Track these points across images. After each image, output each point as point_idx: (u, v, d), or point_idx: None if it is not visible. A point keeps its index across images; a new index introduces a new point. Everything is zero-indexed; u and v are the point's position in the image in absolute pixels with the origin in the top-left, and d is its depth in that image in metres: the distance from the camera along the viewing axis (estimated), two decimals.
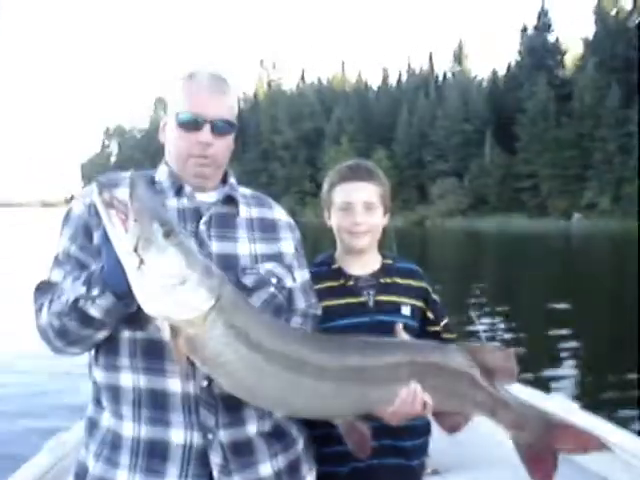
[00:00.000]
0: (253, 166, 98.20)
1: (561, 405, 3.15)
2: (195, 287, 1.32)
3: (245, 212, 1.72)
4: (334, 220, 2.07)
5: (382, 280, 2.06)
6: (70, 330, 1.47)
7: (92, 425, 1.64)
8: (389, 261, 2.12)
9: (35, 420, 5.98)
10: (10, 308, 10.68)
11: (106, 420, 1.60)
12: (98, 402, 1.63)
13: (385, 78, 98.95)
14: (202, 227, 1.62)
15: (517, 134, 71.90)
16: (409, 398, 1.50)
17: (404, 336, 1.86)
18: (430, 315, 2.11)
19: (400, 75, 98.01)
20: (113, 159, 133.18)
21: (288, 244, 1.77)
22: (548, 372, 8.11)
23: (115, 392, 1.57)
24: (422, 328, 2.08)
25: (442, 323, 2.13)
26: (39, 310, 1.54)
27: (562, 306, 13.15)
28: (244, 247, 1.66)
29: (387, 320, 1.96)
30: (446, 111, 78.82)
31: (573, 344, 9.75)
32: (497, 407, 1.57)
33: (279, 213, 1.83)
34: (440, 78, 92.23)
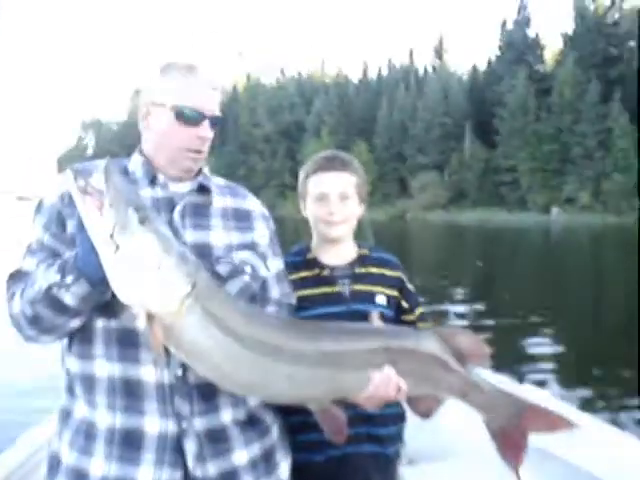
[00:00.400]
0: (232, 159, 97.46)
1: (533, 393, 3.20)
2: (171, 273, 1.32)
3: (219, 202, 1.72)
4: (310, 210, 2.08)
5: (357, 270, 2.06)
6: (43, 318, 1.46)
7: (66, 415, 1.63)
8: (365, 251, 2.12)
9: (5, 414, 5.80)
10: None
11: (80, 409, 1.58)
12: (71, 391, 1.61)
13: (365, 72, 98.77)
14: (176, 217, 1.61)
15: (497, 128, 72.30)
16: (383, 383, 1.53)
17: (379, 324, 1.86)
18: (405, 304, 2.11)
19: (380, 69, 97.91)
20: (90, 152, 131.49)
21: (262, 234, 1.77)
22: (525, 367, 8.05)
23: (89, 381, 1.56)
24: (397, 317, 2.08)
25: (417, 312, 2.13)
26: (11, 298, 1.53)
27: (541, 300, 13.16)
28: (218, 236, 1.66)
29: (362, 309, 1.98)
30: (426, 104, 78.88)
31: (551, 339, 9.72)
32: (469, 390, 1.61)
33: (253, 203, 1.82)
34: (421, 72, 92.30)
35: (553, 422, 1.65)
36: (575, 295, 14.43)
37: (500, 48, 79.34)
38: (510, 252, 27.56)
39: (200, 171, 1.73)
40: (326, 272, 2.05)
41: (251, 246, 1.73)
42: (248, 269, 1.67)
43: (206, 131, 1.63)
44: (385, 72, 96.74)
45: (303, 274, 2.04)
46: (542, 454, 2.70)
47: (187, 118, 1.60)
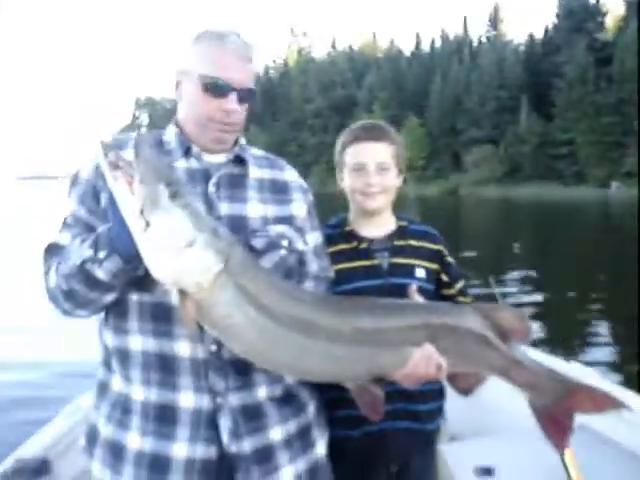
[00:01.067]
0: (283, 135, 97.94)
1: (581, 372, 3.16)
2: (203, 249, 1.29)
3: (256, 173, 1.69)
4: (347, 181, 2.03)
5: (396, 242, 2.02)
6: (78, 292, 1.46)
7: (103, 388, 1.64)
8: (404, 223, 2.08)
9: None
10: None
11: (116, 383, 1.59)
12: (108, 365, 1.62)
13: (418, 44, 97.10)
14: (211, 188, 1.58)
15: (554, 100, 70.14)
16: (423, 361, 1.48)
17: (417, 298, 1.79)
18: (445, 278, 2.06)
19: (433, 41, 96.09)
20: (144, 130, 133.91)
21: (300, 206, 1.73)
22: (579, 346, 7.97)
23: (124, 355, 1.56)
24: (437, 291, 2.04)
25: (457, 286, 2.08)
26: (47, 273, 1.53)
27: (600, 278, 12.94)
28: (254, 209, 1.63)
29: (401, 283, 1.91)
30: (480, 77, 77.20)
31: (609, 317, 9.57)
32: (511, 367, 1.56)
33: (291, 175, 1.79)
34: (475, 43, 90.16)
35: (600, 402, 1.59)
36: (636, 272, 14.19)
37: (558, 16, 76.83)
38: (567, 228, 26.90)
39: (237, 142, 1.70)
40: (364, 245, 2.00)
41: (288, 219, 1.69)
42: (285, 243, 1.64)
43: (232, 104, 1.56)
44: (438, 44, 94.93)
45: (341, 247, 2.00)
46: (591, 434, 2.74)
47: (212, 89, 1.55)
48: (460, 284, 2.09)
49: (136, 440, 1.53)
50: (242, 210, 1.61)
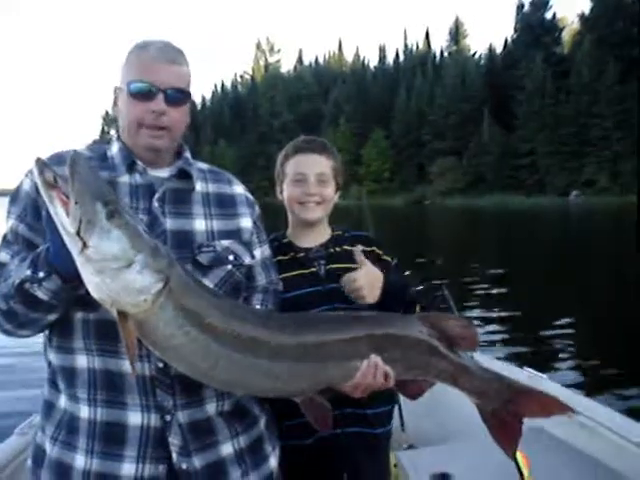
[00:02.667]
0: (251, 149, 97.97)
1: (531, 378, 3.17)
2: (141, 270, 1.26)
3: (201, 187, 1.67)
4: (286, 192, 2.06)
5: (331, 249, 2.06)
6: (18, 313, 1.42)
7: (49, 407, 1.60)
8: (339, 232, 2.12)
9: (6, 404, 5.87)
10: None
11: (62, 402, 1.56)
12: (54, 384, 1.59)
13: (382, 57, 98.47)
14: (156, 204, 1.56)
15: (515, 112, 71.75)
16: (370, 371, 1.49)
17: (363, 259, 1.88)
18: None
19: (397, 53, 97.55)
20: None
21: (246, 220, 1.72)
22: (542, 354, 7.95)
23: (70, 374, 1.53)
24: None
25: (392, 263, 2.13)
26: None
27: (561, 284, 12.98)
28: (200, 223, 1.61)
29: (339, 287, 1.91)
30: (444, 90, 78.61)
31: (571, 324, 9.55)
32: (459, 374, 1.57)
33: (237, 188, 1.77)
34: (437, 56, 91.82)
35: (548, 406, 1.59)
36: (595, 278, 13.99)
37: (516, 31, 78.67)
38: (529, 235, 27.40)
39: (181, 156, 1.67)
40: (301, 254, 2.03)
41: (235, 233, 1.66)
42: (231, 257, 1.61)
43: (159, 105, 1.52)
44: (402, 57, 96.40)
45: (278, 258, 1.97)
46: (545, 438, 2.75)
47: (137, 92, 1.53)
48: (395, 261, 2.14)
49: (82, 460, 1.49)
50: (187, 225, 1.58)
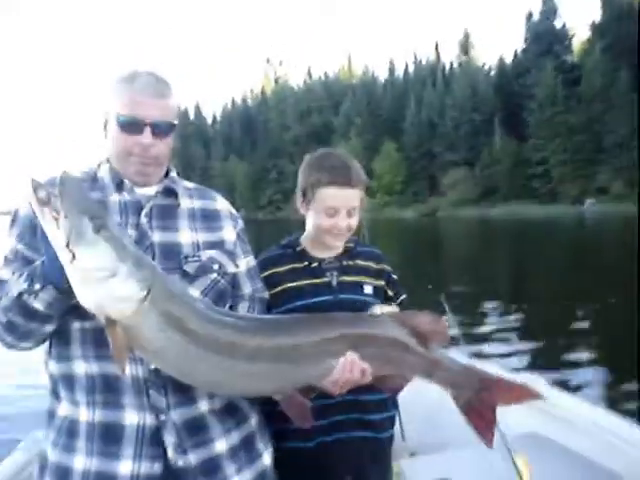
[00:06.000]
0: (263, 163, 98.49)
1: (528, 378, 3.20)
2: (126, 279, 1.35)
3: (187, 203, 1.77)
4: (314, 217, 2.06)
5: (344, 262, 2.11)
6: (18, 324, 1.51)
7: (50, 416, 1.69)
8: (350, 245, 2.16)
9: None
10: None
11: (63, 409, 1.64)
12: (55, 394, 1.68)
13: (392, 70, 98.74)
14: (143, 219, 1.66)
15: (526, 121, 71.59)
16: (347, 367, 1.56)
17: (381, 311, 1.95)
18: (390, 293, 2.18)
19: (407, 67, 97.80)
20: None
21: (229, 232, 1.81)
22: (557, 364, 7.89)
23: (70, 380, 1.62)
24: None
25: (399, 300, 2.19)
26: None
27: (576, 293, 12.94)
28: (186, 236, 1.70)
29: (349, 298, 2.02)
30: (454, 101, 78.62)
31: (587, 334, 9.53)
32: (432, 368, 1.66)
33: (221, 204, 1.87)
34: (447, 68, 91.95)
35: (519, 393, 1.69)
36: (612, 286, 13.66)
37: (526, 40, 78.63)
38: (543, 245, 27.23)
39: (167, 175, 1.78)
40: (315, 264, 2.08)
41: (219, 244, 1.75)
42: (216, 266, 1.71)
43: (147, 138, 1.63)
44: (411, 69, 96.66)
45: (292, 266, 2.07)
46: (544, 442, 2.82)
47: (127, 126, 1.63)
48: (402, 297, 2.20)
49: (82, 461, 1.57)
50: (174, 238, 1.68)
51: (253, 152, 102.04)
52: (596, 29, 70.88)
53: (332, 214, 2.01)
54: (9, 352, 1.69)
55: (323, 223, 2.03)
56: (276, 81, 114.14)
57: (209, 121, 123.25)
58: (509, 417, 2.05)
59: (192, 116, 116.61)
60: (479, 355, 7.60)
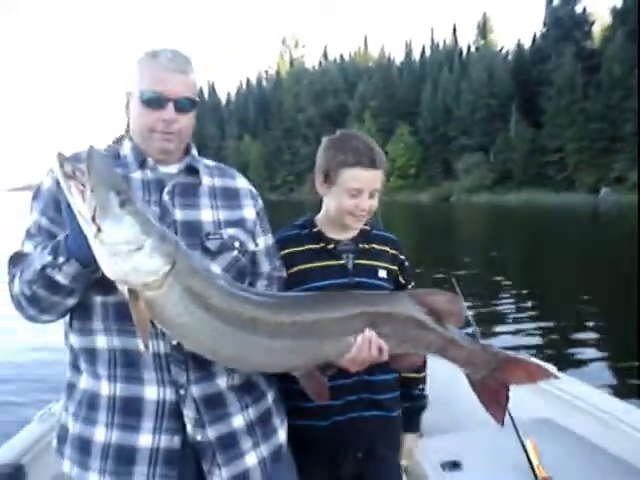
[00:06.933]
0: (276, 144, 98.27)
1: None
2: (150, 252, 1.37)
3: (208, 181, 1.80)
4: (336, 198, 2.06)
5: (360, 245, 2.12)
6: (40, 297, 1.53)
7: (70, 388, 1.72)
8: (367, 228, 2.17)
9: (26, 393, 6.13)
10: None
11: (83, 382, 1.67)
12: (75, 366, 1.71)
13: (408, 53, 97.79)
14: (166, 197, 1.69)
15: (543, 107, 70.70)
16: (365, 345, 1.59)
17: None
18: (402, 280, 2.20)
19: (423, 50, 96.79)
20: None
21: (250, 211, 1.85)
22: (569, 352, 7.93)
23: (91, 354, 1.65)
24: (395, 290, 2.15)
25: (409, 286, 2.22)
26: (12, 280, 1.60)
27: (590, 283, 12.92)
28: (207, 214, 1.74)
29: (364, 282, 2.04)
30: (471, 85, 77.68)
31: (598, 324, 9.48)
32: (448, 346, 1.69)
33: (241, 182, 1.90)
34: (464, 51, 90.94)
35: (531, 372, 1.71)
36: (625, 277, 13.55)
37: (545, 25, 77.45)
38: (557, 232, 27.03)
39: (188, 152, 1.81)
40: (331, 246, 2.08)
41: (239, 223, 1.78)
42: (236, 244, 1.74)
43: (170, 114, 1.65)
44: (428, 52, 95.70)
45: (309, 246, 2.08)
46: (554, 426, 2.86)
47: (150, 102, 1.65)
48: (411, 284, 2.22)
49: (102, 433, 1.61)
50: (196, 215, 1.71)
51: (267, 132, 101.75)
52: (618, 15, 69.63)
53: (355, 195, 2.02)
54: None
55: (346, 204, 2.03)
56: (291, 63, 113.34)
57: (223, 100, 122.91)
58: (519, 401, 2.02)
59: (206, 96, 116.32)
60: (488, 337, 7.66)
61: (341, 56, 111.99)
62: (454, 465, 2.59)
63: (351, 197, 2.02)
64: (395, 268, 2.17)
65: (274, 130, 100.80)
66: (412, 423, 2.25)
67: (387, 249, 2.17)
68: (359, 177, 2.00)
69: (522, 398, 1.97)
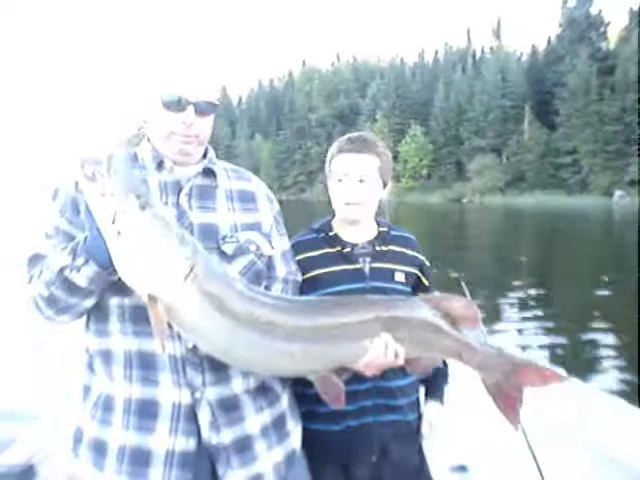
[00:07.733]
0: (288, 144, 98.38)
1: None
2: (169, 256, 1.38)
3: (225, 184, 1.80)
4: (331, 190, 2.08)
5: (378, 248, 2.08)
6: (58, 298, 1.53)
7: (86, 390, 1.72)
8: (384, 229, 2.14)
9: None
10: None
11: (99, 383, 1.67)
12: (91, 368, 1.70)
13: (421, 55, 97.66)
14: (183, 199, 1.69)
15: (557, 109, 70.48)
16: (381, 349, 1.58)
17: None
18: (425, 281, 2.14)
19: (437, 52, 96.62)
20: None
21: (266, 214, 1.85)
22: (583, 358, 7.87)
23: (107, 356, 1.64)
24: (414, 294, 2.08)
25: (431, 289, 2.18)
26: (29, 281, 1.59)
27: (602, 287, 12.76)
28: (224, 217, 1.74)
29: (381, 286, 2.01)
30: (484, 86, 77.63)
31: (612, 329, 9.35)
32: (463, 350, 1.68)
33: (257, 185, 1.90)
34: (478, 54, 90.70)
35: (545, 376, 1.71)
36: (639, 280, 13.33)
37: (561, 26, 77.20)
38: (570, 237, 26.91)
39: (206, 155, 1.81)
40: (347, 249, 2.05)
41: (255, 226, 1.78)
42: (253, 247, 1.73)
43: (189, 117, 1.65)
44: (441, 54, 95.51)
45: (324, 251, 2.05)
46: (558, 429, 2.88)
47: (171, 105, 1.65)
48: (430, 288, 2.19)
49: (118, 435, 1.60)
50: (212, 218, 1.71)
51: (278, 132, 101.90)
52: (634, 16, 69.11)
53: (342, 180, 2.02)
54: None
55: (337, 193, 2.04)
56: (303, 63, 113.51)
57: (235, 100, 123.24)
58: (528, 406, 2.02)
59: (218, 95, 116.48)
60: (499, 338, 7.60)
61: (354, 57, 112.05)
62: (462, 469, 2.62)
63: (340, 185, 2.03)
64: (414, 271, 2.12)
65: (285, 130, 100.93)
66: (435, 389, 2.17)
67: (405, 250, 2.13)
68: (343, 161, 2.03)
69: (531, 403, 1.93)
